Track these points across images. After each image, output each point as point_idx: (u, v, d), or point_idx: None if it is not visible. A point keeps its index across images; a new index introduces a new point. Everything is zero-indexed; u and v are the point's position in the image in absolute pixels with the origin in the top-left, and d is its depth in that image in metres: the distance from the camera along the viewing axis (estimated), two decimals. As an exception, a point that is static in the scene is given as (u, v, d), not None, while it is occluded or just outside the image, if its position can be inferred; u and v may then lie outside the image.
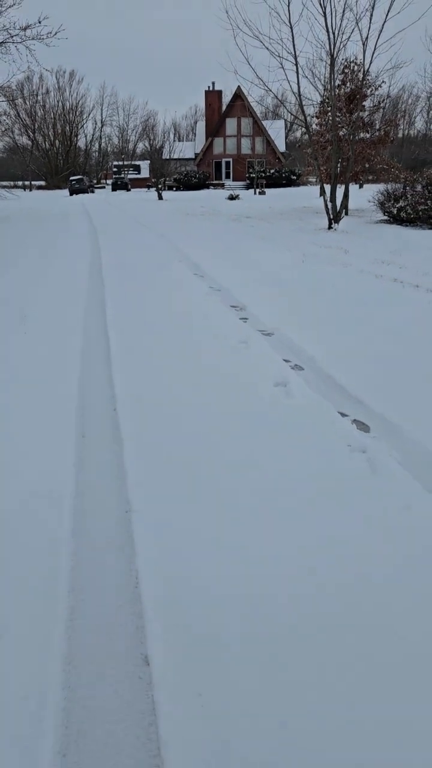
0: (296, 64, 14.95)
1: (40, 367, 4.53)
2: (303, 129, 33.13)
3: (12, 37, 21.28)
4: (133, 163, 67.20)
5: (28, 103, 66.02)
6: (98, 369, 4.51)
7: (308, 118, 16.67)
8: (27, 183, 64.38)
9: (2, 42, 21.39)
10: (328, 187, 16.12)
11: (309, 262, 9.63)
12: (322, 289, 7.37)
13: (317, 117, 21.12)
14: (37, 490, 2.78)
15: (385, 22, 13.83)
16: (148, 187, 55.05)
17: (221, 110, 52.86)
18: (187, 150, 57.14)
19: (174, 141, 57.62)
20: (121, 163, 66.07)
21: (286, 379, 4.12)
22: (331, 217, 15.40)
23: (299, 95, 15.24)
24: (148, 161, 59.13)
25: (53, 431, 3.42)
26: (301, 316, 5.98)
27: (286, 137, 55.96)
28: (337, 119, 16.42)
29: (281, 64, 14.62)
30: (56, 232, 15.98)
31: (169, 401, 3.78)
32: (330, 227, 15.26)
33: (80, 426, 3.52)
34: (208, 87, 53.55)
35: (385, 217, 17.33)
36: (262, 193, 38.11)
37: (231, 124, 52.47)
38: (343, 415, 3.63)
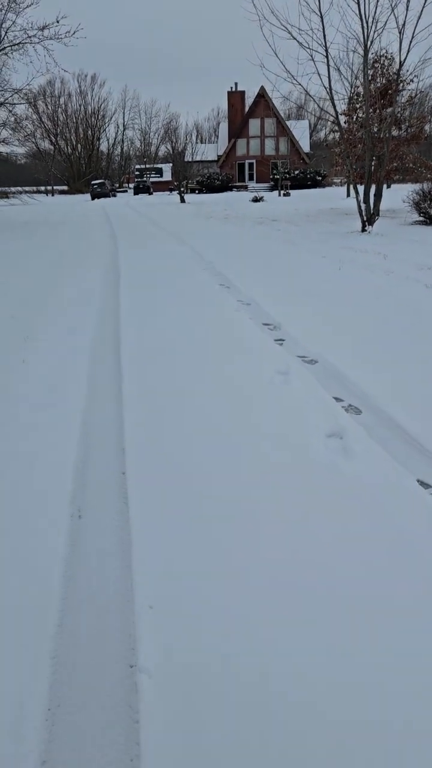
0: (327, 56, 14.04)
1: (35, 409, 3.71)
2: (329, 128, 32.03)
3: (30, 37, 20.77)
4: (155, 166, 66.76)
5: (50, 107, 66.06)
6: (106, 409, 3.67)
7: (335, 116, 15.68)
8: (49, 188, 64.35)
9: (19, 42, 20.88)
10: (360, 188, 15.13)
11: (346, 269, 8.71)
12: (366, 302, 6.45)
13: (345, 114, 20.12)
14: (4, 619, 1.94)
15: (424, 6, 12.83)
16: (170, 190, 54.49)
17: (244, 111, 52.00)
18: (209, 152, 56.40)
19: (196, 143, 56.99)
20: (143, 166, 65.70)
21: (342, 429, 3.23)
22: (365, 219, 14.42)
23: (330, 89, 14.32)
24: (170, 164, 58.62)
25: (38, 507, 2.58)
26: (347, 337, 5.08)
27: (310, 137, 54.86)
28: (370, 115, 15.41)
29: (311, 56, 13.71)
30: (74, 238, 15.29)
31: (192, 463, 2.91)
32: (363, 230, 14.28)
33: (77, 498, 2.67)
34: (231, 88, 52.76)
35: (421, 218, 16.26)
36: (286, 194, 37.15)
37: (254, 125, 51.57)
38: (425, 485, 2.73)
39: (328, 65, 14.24)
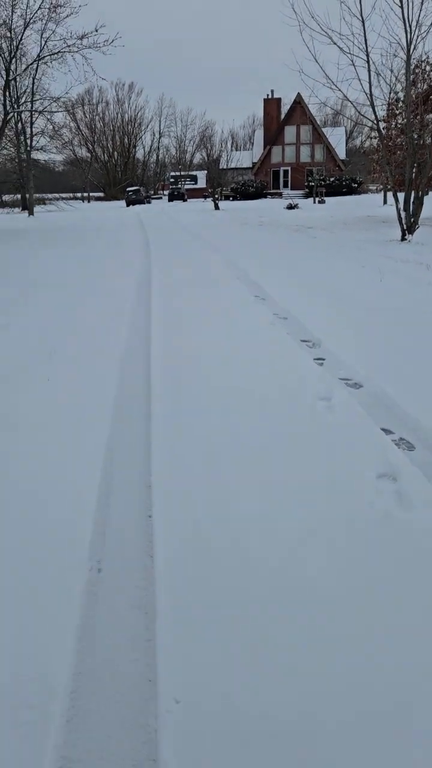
0: (368, 61, 13.64)
1: (56, 433, 3.44)
2: (365, 135, 31.44)
3: (69, 46, 20.93)
4: (189, 173, 66.99)
5: (87, 115, 66.94)
6: (132, 440, 3.37)
7: (375, 122, 15.21)
8: (85, 195, 65.13)
9: (58, 52, 21.02)
10: (399, 195, 14.65)
11: (388, 280, 8.29)
12: (412, 316, 6.04)
13: (385, 121, 19.63)
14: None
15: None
16: (205, 197, 54.45)
17: (280, 118, 51.77)
18: (244, 159, 56.35)
19: (231, 150, 57.04)
20: (177, 173, 65.95)
21: (395, 468, 2.86)
22: (405, 227, 13.93)
23: (371, 95, 13.91)
24: (205, 171, 58.71)
25: (52, 556, 2.29)
26: (393, 357, 4.69)
27: (346, 144, 54.24)
28: (411, 121, 14.91)
29: (352, 61, 13.33)
30: (107, 245, 15.18)
31: (225, 511, 2.59)
32: (403, 238, 13.79)
33: (97, 548, 2.37)
34: (267, 95, 52.60)
35: (464, 227, 15.70)
36: (321, 201, 36.68)
37: (290, 132, 51.26)
38: None
39: (369, 70, 13.84)
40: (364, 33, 13.51)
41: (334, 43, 13.55)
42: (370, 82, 13.87)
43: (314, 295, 7.24)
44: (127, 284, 8.65)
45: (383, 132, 19.39)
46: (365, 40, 13.57)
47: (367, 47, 13.63)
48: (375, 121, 14.63)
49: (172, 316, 6.40)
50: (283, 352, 4.92)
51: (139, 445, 3.26)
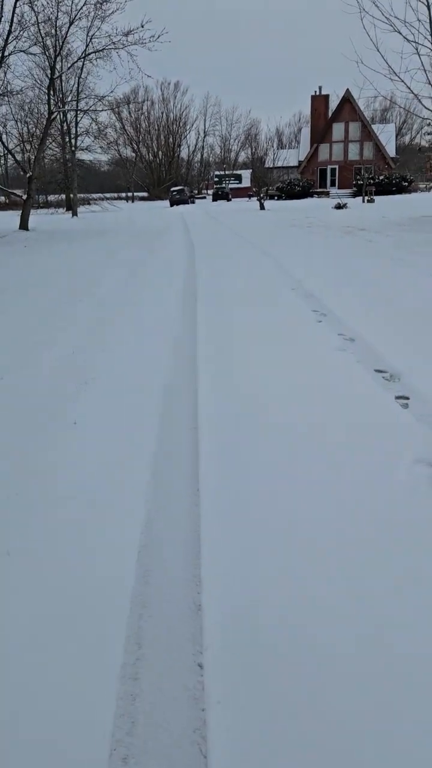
0: (434, 49, 12.58)
1: (84, 498, 2.70)
2: (417, 130, 30.02)
3: (113, 43, 20.43)
4: (234, 172, 66.29)
5: (132, 115, 66.99)
6: (176, 536, 2.61)
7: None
8: (130, 195, 65.17)
9: (103, 49, 20.55)
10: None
11: (464, 293, 7.31)
12: None
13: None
14: None
15: None
16: (249, 196, 53.63)
17: (327, 115, 50.46)
18: (290, 157, 55.25)
19: (277, 149, 56.10)
20: (222, 172, 65.33)
21: None
22: (471, 229, 12.81)
23: (436, 86, 12.84)
24: (250, 170, 57.90)
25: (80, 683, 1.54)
26: None
27: (396, 141, 52.51)
28: None
29: (417, 49, 12.31)
30: (150, 249, 14.55)
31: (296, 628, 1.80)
32: (469, 242, 12.69)
33: (130, 680, 1.61)
34: (315, 92, 51.37)
35: None
36: (371, 201, 35.32)
37: (338, 129, 49.90)
38: None
39: (435, 59, 12.79)
40: (430, 19, 12.47)
41: (397, 31, 12.56)
42: (436, 73, 12.83)
43: (382, 312, 6.34)
44: (169, 295, 7.93)
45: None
46: (431, 27, 12.52)
47: (432, 34, 12.58)
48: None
49: (220, 331, 5.63)
50: (356, 390, 4.08)
51: (184, 545, 2.48)
